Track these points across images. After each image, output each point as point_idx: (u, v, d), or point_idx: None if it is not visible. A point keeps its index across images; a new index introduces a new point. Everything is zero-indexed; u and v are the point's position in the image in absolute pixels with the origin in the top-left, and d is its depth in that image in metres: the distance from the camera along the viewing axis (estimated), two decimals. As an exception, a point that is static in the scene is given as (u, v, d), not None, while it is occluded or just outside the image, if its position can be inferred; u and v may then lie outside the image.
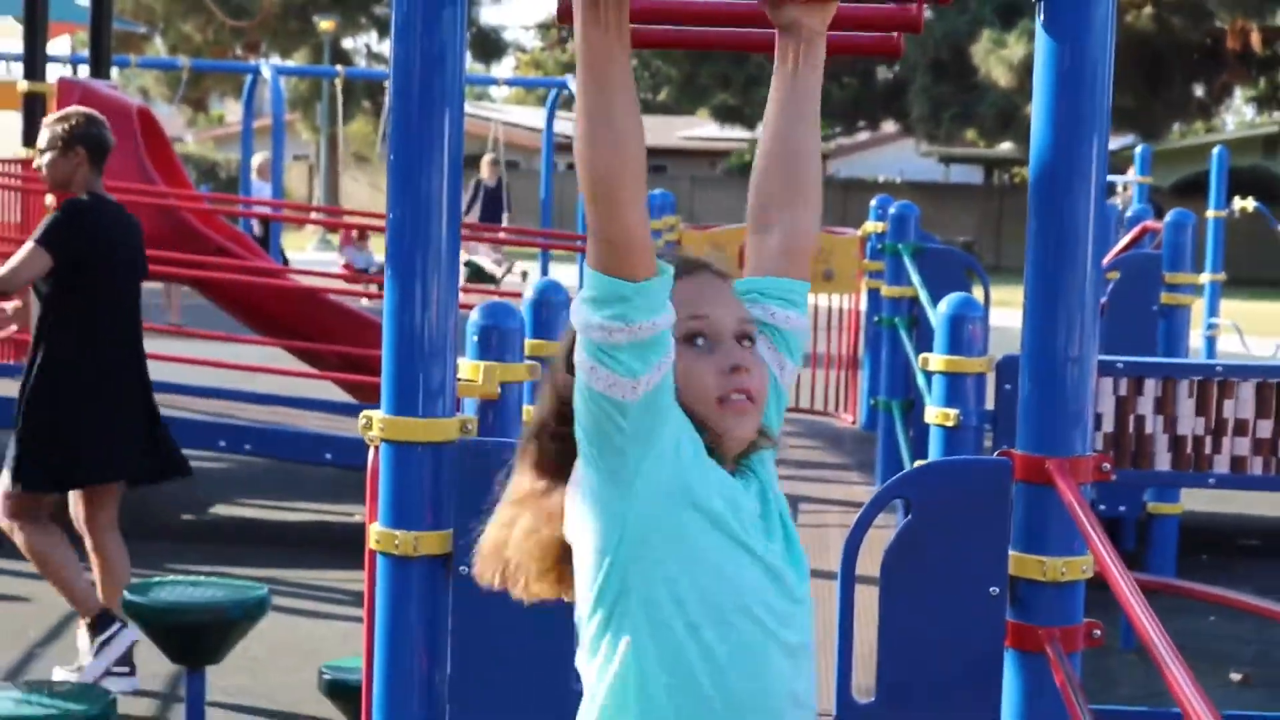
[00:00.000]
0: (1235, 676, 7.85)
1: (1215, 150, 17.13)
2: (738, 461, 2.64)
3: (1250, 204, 17.01)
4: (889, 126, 49.12)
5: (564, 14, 3.39)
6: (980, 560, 3.86)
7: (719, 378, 2.53)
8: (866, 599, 4.04)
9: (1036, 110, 3.79)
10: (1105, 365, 5.98)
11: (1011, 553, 3.84)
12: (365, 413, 3.98)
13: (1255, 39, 30.81)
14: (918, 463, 5.34)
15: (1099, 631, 3.86)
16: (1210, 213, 16.67)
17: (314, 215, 30.18)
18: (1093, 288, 3.81)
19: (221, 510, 10.83)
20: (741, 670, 2.51)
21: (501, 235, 21.19)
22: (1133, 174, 18.71)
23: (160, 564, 7.96)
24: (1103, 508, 9.09)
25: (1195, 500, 10.04)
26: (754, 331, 2.63)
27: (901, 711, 3.90)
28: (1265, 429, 5.89)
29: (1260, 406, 5.89)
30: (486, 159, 24.41)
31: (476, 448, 3.87)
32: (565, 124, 25.72)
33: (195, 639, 5.64)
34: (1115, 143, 38.93)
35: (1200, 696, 2.55)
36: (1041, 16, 3.74)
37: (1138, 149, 18.64)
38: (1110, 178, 22.61)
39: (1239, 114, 51.54)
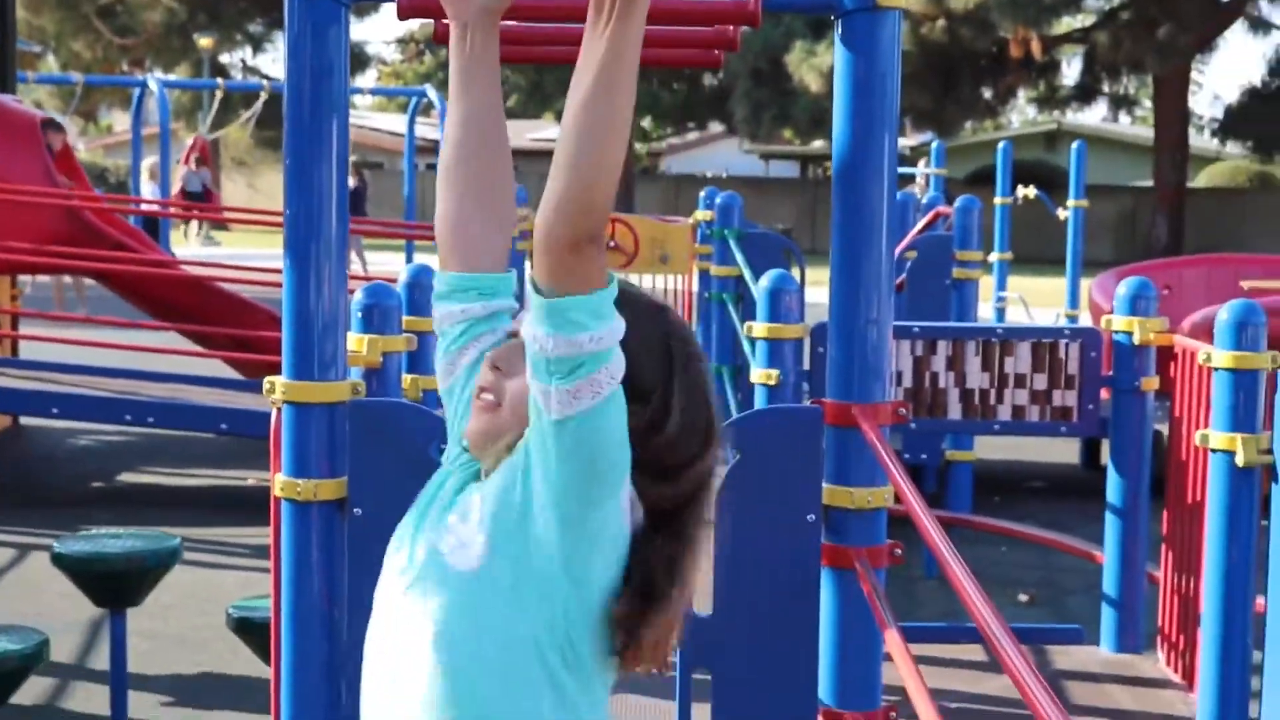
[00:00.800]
0: (1023, 597, 8.02)
1: (1000, 145, 17.46)
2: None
3: (1032, 191, 17.37)
4: (715, 127, 49.23)
5: (440, 38, 3.51)
6: (799, 493, 3.95)
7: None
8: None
9: (837, 114, 3.91)
10: (903, 330, 6.16)
11: (825, 485, 3.99)
12: (269, 378, 4.06)
13: (1035, 46, 31.16)
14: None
15: (899, 550, 4.00)
16: (997, 200, 16.93)
17: (195, 212, 29.93)
18: (887, 262, 3.97)
19: (127, 477, 10.71)
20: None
21: (375, 229, 21.13)
22: (927, 166, 18.99)
23: (73, 525, 7.95)
24: (907, 456, 9.29)
25: (987, 449, 10.23)
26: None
27: (735, 622, 3.97)
28: (1041, 382, 6.09)
29: (1035, 363, 6.08)
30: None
31: (365, 407, 3.98)
32: (424, 128, 25.71)
33: (117, 584, 5.66)
34: (914, 139, 39.27)
35: (987, 604, 2.68)
36: (839, 32, 3.90)
37: (933, 144, 18.91)
38: (908, 169, 22.97)
39: (1023, 113, 52.12)
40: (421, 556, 2.37)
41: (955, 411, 6.14)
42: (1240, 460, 4.77)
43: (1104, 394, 6.09)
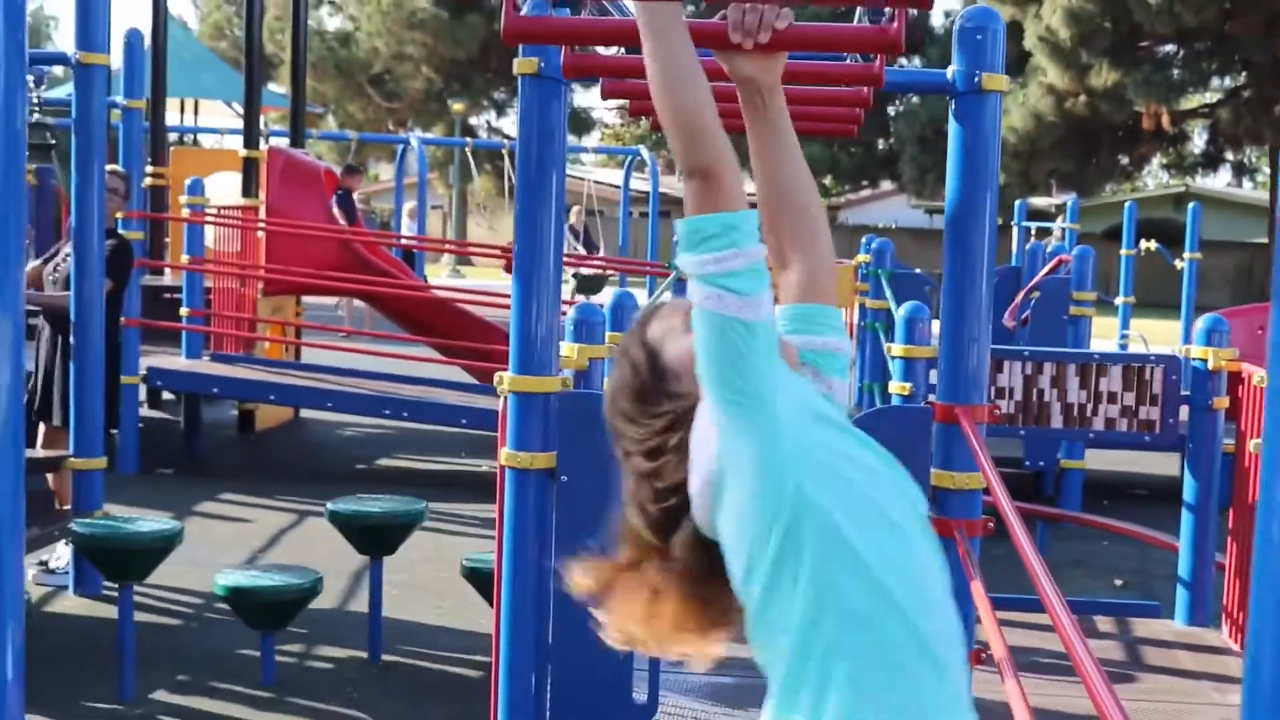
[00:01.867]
0: (1118, 582, 8.15)
1: (1126, 205, 17.48)
2: None
3: (1153, 245, 17.32)
4: (886, 185, 49.11)
5: (634, 113, 3.82)
6: (912, 474, 4.29)
7: None
8: None
9: (949, 175, 4.20)
10: (1015, 353, 6.40)
11: (932, 470, 4.31)
12: (499, 374, 4.47)
13: (1166, 120, 30.84)
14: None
15: (991, 524, 4.31)
16: (1124, 251, 16.97)
17: (447, 246, 30.85)
18: (986, 293, 4.26)
19: (384, 461, 11.12)
20: (907, 574, 1.94)
21: (595, 262, 21.64)
22: (1063, 221, 19.00)
23: (340, 496, 8.45)
24: (1027, 463, 9.49)
25: (1100, 461, 10.35)
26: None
27: None
28: (1129, 399, 6.29)
29: (1125, 383, 6.29)
30: (574, 209, 24.81)
31: (571, 398, 4.33)
32: (637, 182, 26.20)
33: (379, 536, 6.10)
34: (1059, 199, 38.92)
35: (1045, 572, 2.79)
36: (952, 109, 4.20)
37: (1068, 203, 18.94)
38: (1049, 224, 22.89)
39: (1156, 176, 51.32)
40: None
41: (1057, 422, 6.33)
42: None
43: (1183, 411, 6.26)
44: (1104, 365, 6.28)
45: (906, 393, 6.17)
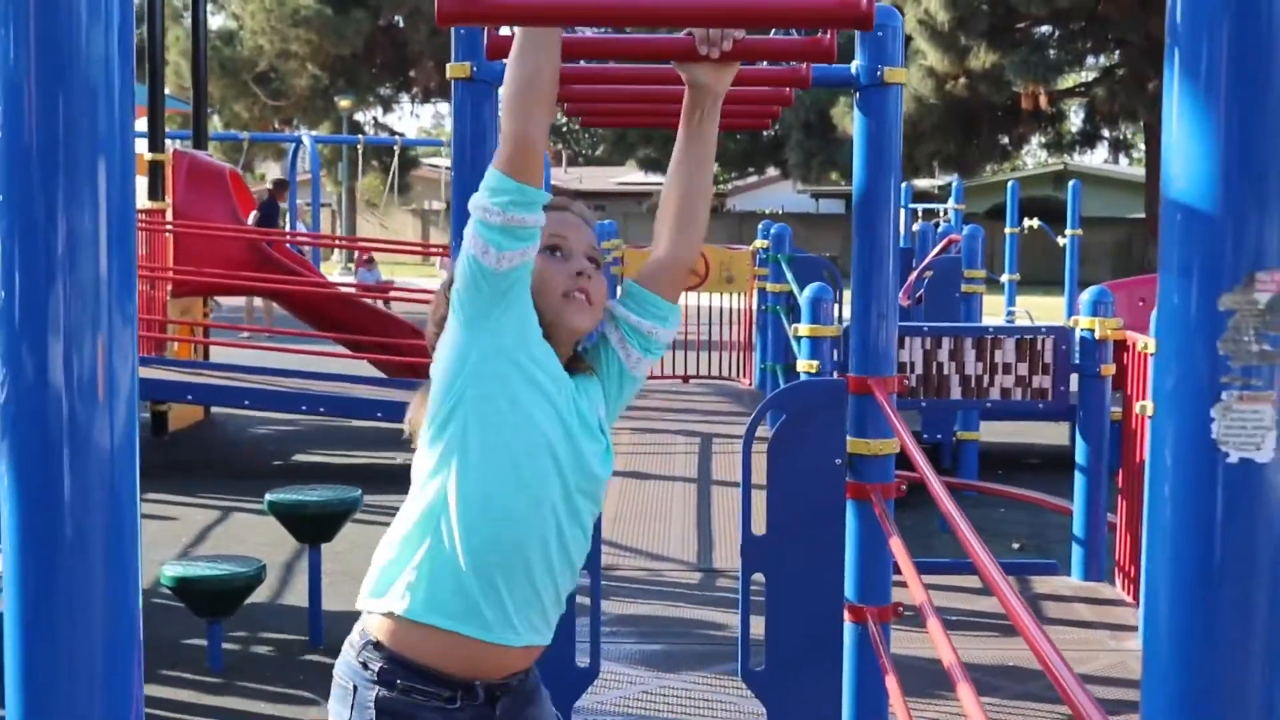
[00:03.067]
0: (1015, 545, 8.51)
1: (1010, 184, 18.01)
2: (575, 367, 2.60)
3: (1035, 222, 17.87)
4: (772, 171, 49.64)
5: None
6: (829, 443, 4.46)
7: (567, 279, 2.49)
8: (759, 474, 4.77)
9: (856, 163, 4.47)
10: (915, 329, 6.76)
11: (849, 437, 4.60)
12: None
13: (1044, 100, 31.53)
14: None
15: (904, 486, 4.63)
16: (1008, 229, 17.49)
17: (339, 242, 30.90)
18: (893, 273, 4.56)
19: (300, 457, 11.29)
20: (522, 488, 2.44)
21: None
22: (951, 202, 19.53)
23: (260, 494, 8.61)
24: (925, 436, 9.86)
25: (994, 433, 10.75)
26: (600, 259, 2.59)
27: (782, 539, 4.47)
28: (1023, 369, 6.68)
29: (1019, 355, 6.68)
30: None
31: None
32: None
33: (317, 524, 6.31)
34: (941, 179, 39.63)
35: (973, 533, 3.08)
36: (857, 100, 4.50)
37: (954, 184, 19.46)
38: (935, 205, 23.43)
39: (1036, 155, 52.34)
40: None
41: (956, 393, 6.71)
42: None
43: (1073, 380, 6.65)
44: (999, 338, 6.66)
45: (814, 370, 6.46)
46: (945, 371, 6.71)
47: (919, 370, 6.71)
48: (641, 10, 2.58)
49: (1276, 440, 1.43)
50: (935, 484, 3.48)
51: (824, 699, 4.62)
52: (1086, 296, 6.48)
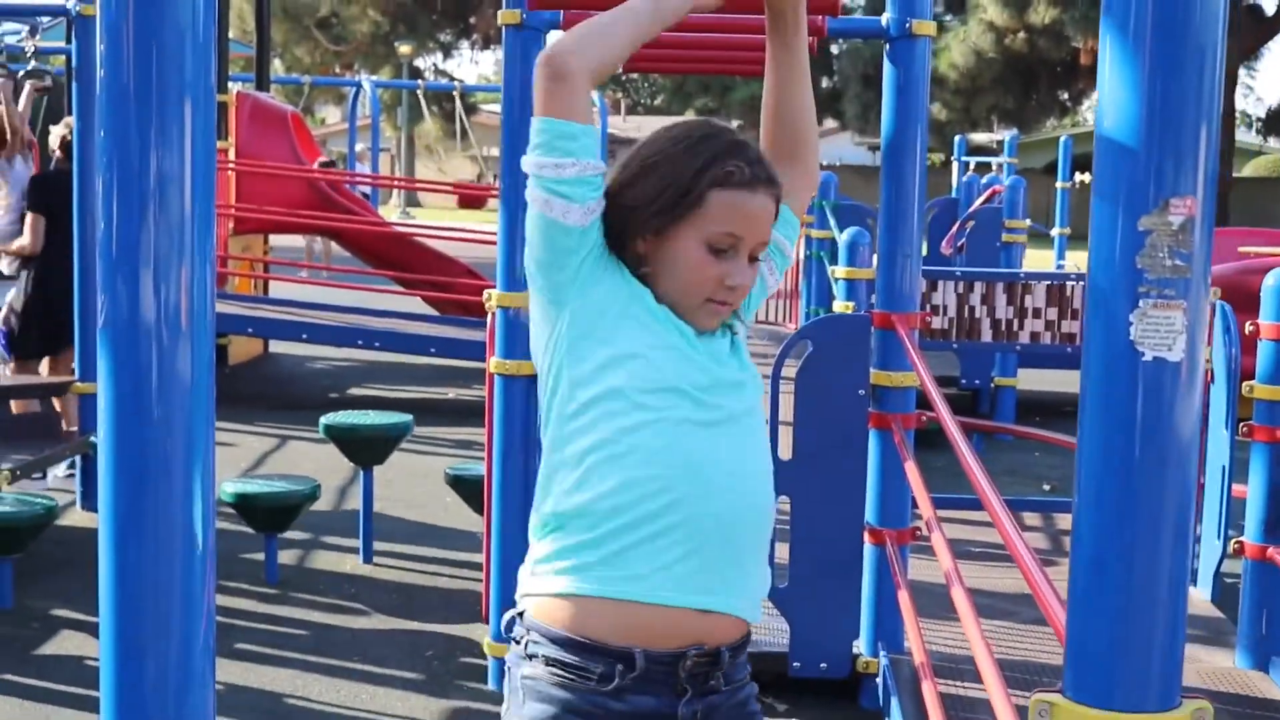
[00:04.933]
0: (1046, 486, 8.70)
1: (1062, 140, 18.10)
2: None
3: (1088, 177, 17.89)
4: (830, 122, 49.56)
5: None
6: (854, 375, 4.77)
7: (717, 285, 2.26)
8: (787, 406, 5.02)
9: (884, 111, 4.72)
10: (948, 273, 6.97)
11: (872, 370, 4.84)
12: (487, 291, 4.97)
13: (1103, 55, 31.44)
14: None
15: (925, 418, 4.85)
16: (1059, 184, 17.59)
17: (397, 183, 31.17)
18: (917, 215, 4.80)
19: (355, 391, 11.53)
20: (655, 432, 2.22)
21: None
22: (1003, 157, 19.61)
23: (316, 422, 8.92)
24: (963, 381, 10.09)
25: (1031, 381, 10.93)
26: (763, 253, 2.36)
27: (807, 465, 4.78)
28: (1053, 314, 6.87)
29: (1049, 299, 6.87)
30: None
31: None
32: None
33: (370, 447, 6.59)
34: (1001, 134, 39.55)
35: (976, 460, 3.30)
36: (887, 51, 4.73)
37: (1007, 138, 19.53)
38: (989, 159, 23.49)
39: (1095, 111, 51.98)
40: None
41: (987, 336, 6.90)
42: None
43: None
44: (1029, 284, 6.85)
45: (850, 310, 6.67)
46: (977, 315, 6.90)
47: (951, 313, 6.91)
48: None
49: (1186, 342, 1.69)
50: (947, 418, 3.66)
51: (844, 614, 4.91)
52: (1116, 245, 6.67)
